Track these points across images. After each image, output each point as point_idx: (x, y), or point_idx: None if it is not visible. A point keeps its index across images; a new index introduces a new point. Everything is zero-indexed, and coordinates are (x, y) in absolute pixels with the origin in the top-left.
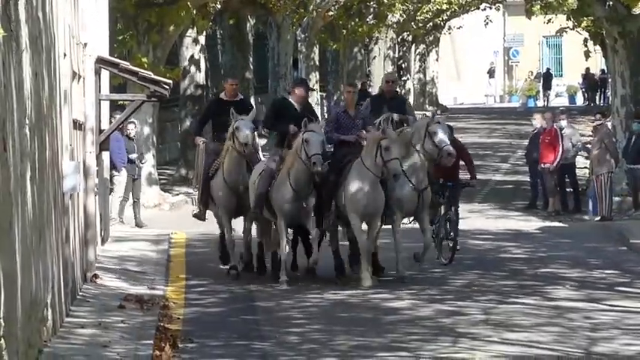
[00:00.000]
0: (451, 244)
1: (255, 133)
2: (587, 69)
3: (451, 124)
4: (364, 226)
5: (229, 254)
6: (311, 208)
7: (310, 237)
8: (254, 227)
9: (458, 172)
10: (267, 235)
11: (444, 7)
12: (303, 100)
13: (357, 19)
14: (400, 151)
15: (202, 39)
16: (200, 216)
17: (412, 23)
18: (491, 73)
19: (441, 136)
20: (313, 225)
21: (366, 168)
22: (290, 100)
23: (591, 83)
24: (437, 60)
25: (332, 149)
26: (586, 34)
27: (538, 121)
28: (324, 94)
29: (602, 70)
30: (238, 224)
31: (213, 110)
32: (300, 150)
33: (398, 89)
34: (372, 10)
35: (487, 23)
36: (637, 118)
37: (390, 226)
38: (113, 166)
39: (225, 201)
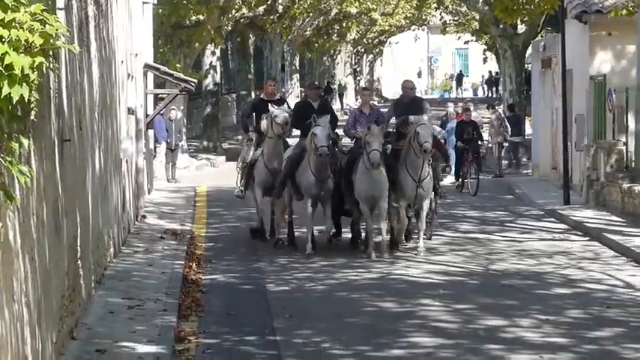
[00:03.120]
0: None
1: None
2: (490, 72)
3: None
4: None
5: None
6: (330, 187)
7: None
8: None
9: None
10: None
11: (386, 28)
12: (317, 97)
13: (325, 37)
14: (380, 143)
15: (218, 51)
16: (242, 197)
17: (364, 40)
18: (419, 74)
19: (424, 135)
20: (328, 215)
21: (363, 162)
22: (309, 100)
23: (490, 81)
24: (381, 65)
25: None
26: (485, 46)
27: (452, 108)
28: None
29: (497, 72)
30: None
31: (255, 109)
32: (311, 142)
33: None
34: (336, 30)
35: (416, 40)
36: (510, 111)
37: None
38: (156, 140)
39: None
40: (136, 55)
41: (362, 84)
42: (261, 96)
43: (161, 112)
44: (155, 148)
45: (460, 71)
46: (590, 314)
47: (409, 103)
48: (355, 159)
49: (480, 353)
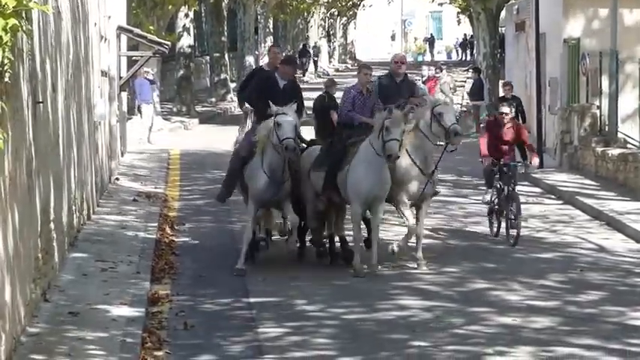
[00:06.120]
0: (515, 222)
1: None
2: (465, 34)
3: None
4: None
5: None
6: (287, 192)
7: (288, 223)
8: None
9: (514, 151)
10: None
11: None
12: (289, 77)
13: None
14: (401, 133)
15: (191, 13)
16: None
17: (338, 2)
18: (392, 37)
19: (448, 116)
20: (289, 210)
21: (373, 150)
22: (275, 75)
23: (463, 44)
24: (355, 28)
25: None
26: (458, 9)
27: (425, 71)
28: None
29: (471, 35)
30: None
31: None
32: (272, 134)
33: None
34: None
35: (390, 2)
36: (475, 72)
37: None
38: (143, 101)
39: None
40: (109, 17)
41: (335, 47)
42: (262, 65)
43: (135, 74)
44: (140, 109)
45: (431, 34)
46: (567, 277)
47: (400, 83)
48: (340, 151)
49: (460, 315)
